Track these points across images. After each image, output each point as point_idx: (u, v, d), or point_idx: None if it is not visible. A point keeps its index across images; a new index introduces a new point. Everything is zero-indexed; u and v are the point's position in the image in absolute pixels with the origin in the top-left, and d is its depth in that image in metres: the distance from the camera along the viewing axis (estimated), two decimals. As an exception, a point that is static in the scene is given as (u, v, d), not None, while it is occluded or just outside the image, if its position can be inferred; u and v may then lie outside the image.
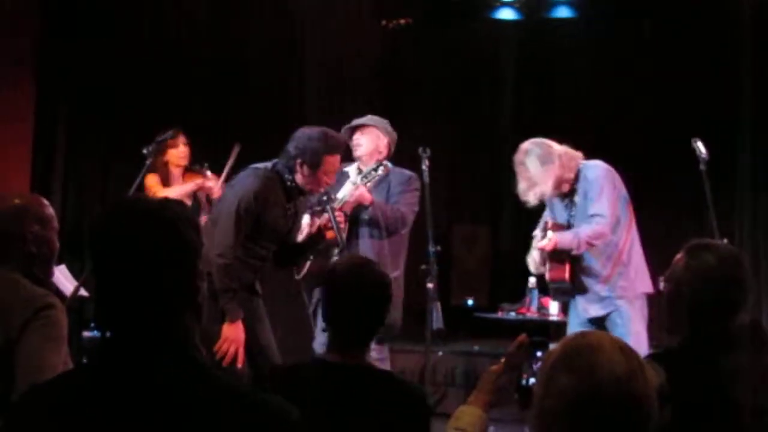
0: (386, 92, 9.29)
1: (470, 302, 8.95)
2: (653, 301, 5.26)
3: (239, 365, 4.69)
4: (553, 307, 7.03)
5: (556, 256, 5.26)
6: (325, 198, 5.01)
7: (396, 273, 5.42)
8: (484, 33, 9.54)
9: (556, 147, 5.29)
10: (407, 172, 5.67)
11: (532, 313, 7.21)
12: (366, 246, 5.44)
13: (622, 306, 5.21)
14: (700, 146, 5.31)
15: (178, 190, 6.28)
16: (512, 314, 7.30)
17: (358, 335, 2.91)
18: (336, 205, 5.13)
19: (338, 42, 8.90)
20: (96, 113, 7.74)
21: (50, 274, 3.31)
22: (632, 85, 8.69)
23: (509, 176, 9.71)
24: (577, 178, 5.27)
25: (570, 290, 5.33)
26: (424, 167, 5.37)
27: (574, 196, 5.29)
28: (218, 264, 4.64)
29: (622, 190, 5.29)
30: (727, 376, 2.68)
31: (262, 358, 4.82)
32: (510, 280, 8.60)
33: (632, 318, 5.18)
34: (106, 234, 1.79)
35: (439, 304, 5.23)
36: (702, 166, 5.27)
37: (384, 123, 5.73)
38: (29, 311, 2.95)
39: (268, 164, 4.88)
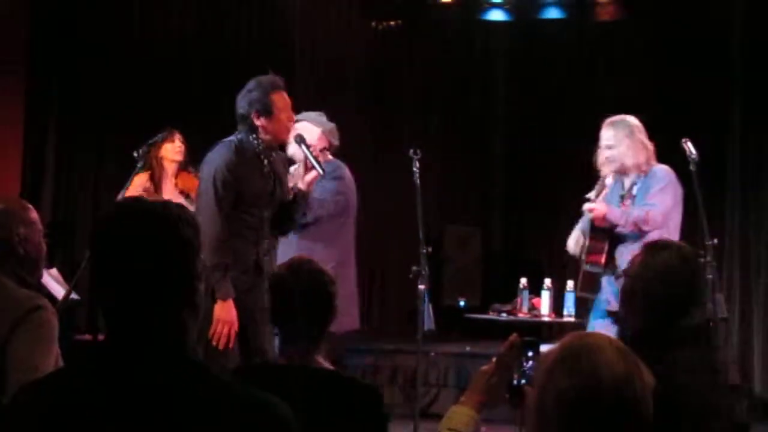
0: (377, 93, 9.31)
1: (462, 303, 8.95)
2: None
3: (231, 347, 4.56)
4: (544, 308, 7.04)
5: (598, 236, 5.21)
6: (297, 137, 4.95)
7: (330, 265, 5.20)
8: (475, 34, 9.57)
9: (645, 137, 5.28)
10: (333, 161, 5.55)
11: (523, 314, 7.22)
12: (291, 238, 5.32)
13: None
14: (690, 147, 5.31)
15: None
16: (503, 315, 7.31)
17: (302, 335, 2.89)
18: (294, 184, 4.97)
19: (329, 43, 8.91)
20: (87, 114, 7.73)
21: (38, 276, 3.30)
22: (623, 85, 8.71)
23: (501, 177, 9.75)
24: (645, 174, 5.23)
25: (599, 277, 5.27)
26: (414, 168, 5.36)
27: (633, 190, 5.26)
28: (207, 241, 4.56)
29: (681, 200, 5.27)
30: (676, 372, 2.71)
31: (255, 348, 4.73)
32: (501, 281, 8.63)
33: None
34: (108, 234, 1.80)
35: (430, 305, 5.22)
36: (692, 167, 5.28)
37: (314, 115, 5.65)
38: (18, 313, 2.94)
39: (230, 138, 4.78)
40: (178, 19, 8.19)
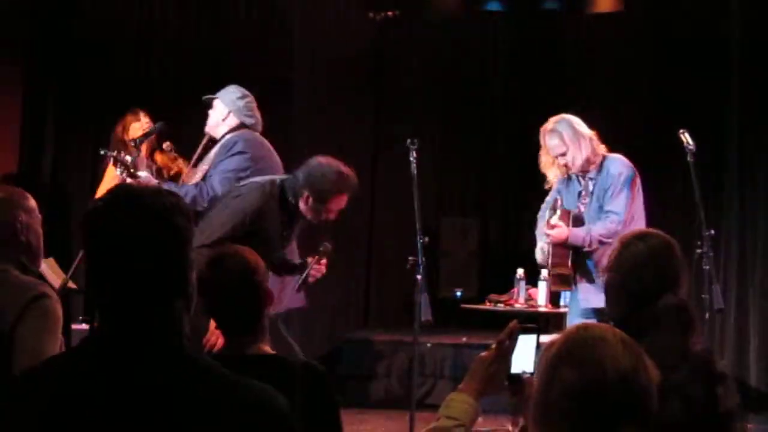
0: (375, 85, 9.30)
1: (459, 294, 8.96)
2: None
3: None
4: (541, 299, 7.05)
5: (558, 254, 5.21)
6: (321, 249, 4.91)
7: None
8: (474, 26, 9.55)
9: (585, 128, 5.27)
10: (234, 135, 5.45)
11: (520, 305, 7.22)
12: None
13: None
14: (688, 137, 5.31)
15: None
16: (500, 306, 7.31)
17: (234, 324, 2.92)
18: None
19: (327, 34, 8.88)
20: (85, 103, 7.72)
21: (38, 264, 3.31)
22: (621, 79, 8.71)
23: (498, 168, 9.75)
24: (599, 168, 5.24)
25: (570, 279, 5.28)
26: (411, 159, 5.35)
27: (589, 185, 5.26)
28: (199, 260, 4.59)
29: (640, 188, 5.25)
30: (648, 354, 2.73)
31: None
32: (498, 271, 8.63)
33: None
34: (99, 222, 1.78)
35: (427, 296, 5.22)
36: (689, 158, 5.28)
37: (231, 94, 5.57)
38: (24, 300, 2.95)
39: (276, 179, 4.84)
40: (178, 10, 8.18)
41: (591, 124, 5.34)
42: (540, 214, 5.49)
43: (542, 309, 6.99)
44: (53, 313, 2.98)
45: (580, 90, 8.76)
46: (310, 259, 4.91)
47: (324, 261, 4.91)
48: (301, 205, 4.74)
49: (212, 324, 4.58)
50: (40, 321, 2.94)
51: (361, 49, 9.18)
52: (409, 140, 5.38)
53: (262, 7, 8.45)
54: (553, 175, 5.32)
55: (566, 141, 5.18)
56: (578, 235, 5.13)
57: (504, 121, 9.48)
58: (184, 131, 6.58)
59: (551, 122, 5.26)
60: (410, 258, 5.22)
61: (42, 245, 3.25)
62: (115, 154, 5.54)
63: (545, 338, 2.23)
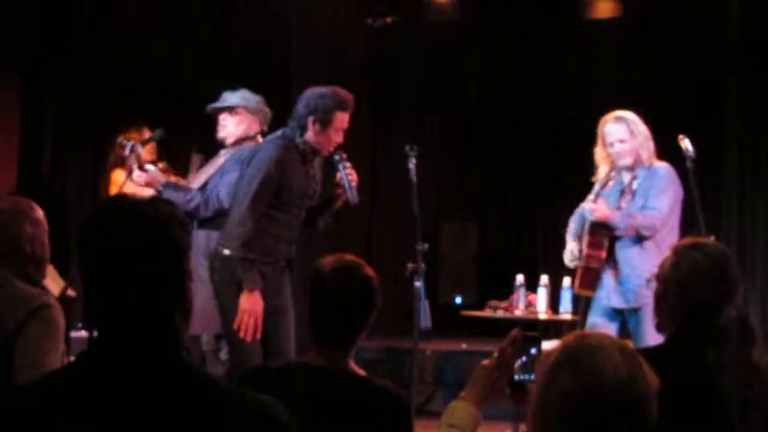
0: (372, 91, 9.30)
1: (458, 300, 8.95)
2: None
3: (258, 337, 4.61)
4: (541, 305, 7.03)
5: (599, 231, 5.15)
6: (337, 157, 4.90)
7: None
8: (471, 31, 9.55)
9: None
10: (243, 148, 5.39)
11: (520, 311, 7.20)
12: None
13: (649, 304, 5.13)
14: (687, 143, 5.31)
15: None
16: (500, 312, 7.29)
17: (338, 339, 2.81)
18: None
19: (324, 41, 8.89)
20: (84, 107, 7.73)
21: (43, 275, 3.30)
22: (619, 82, 8.72)
23: (498, 174, 9.74)
24: (648, 169, 5.19)
25: (598, 278, 5.24)
26: (411, 165, 5.34)
27: (633, 184, 5.22)
28: (238, 233, 4.61)
29: (680, 200, 5.22)
30: (714, 370, 2.71)
31: (273, 345, 4.75)
32: (498, 278, 8.62)
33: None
34: (94, 232, 1.77)
35: (427, 303, 5.21)
36: (689, 164, 5.27)
37: (250, 98, 5.56)
38: (26, 311, 2.94)
39: (278, 132, 4.87)
40: (175, 15, 8.19)
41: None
42: (573, 217, 5.46)
43: (542, 315, 6.97)
44: (54, 323, 2.98)
45: (580, 95, 8.76)
46: (338, 174, 4.89)
47: (347, 165, 4.89)
48: (309, 136, 4.77)
49: (241, 302, 4.57)
50: (43, 331, 2.93)
51: (358, 56, 9.18)
52: (407, 147, 5.37)
53: (260, 15, 8.45)
54: (604, 171, 5.31)
55: (631, 130, 5.17)
56: (617, 216, 5.08)
57: (503, 127, 9.48)
58: (181, 138, 6.57)
59: (618, 112, 5.27)
60: (409, 264, 5.21)
61: (48, 255, 3.25)
62: (133, 143, 5.53)
63: (547, 345, 2.22)
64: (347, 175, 4.87)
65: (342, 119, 4.80)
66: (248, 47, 8.37)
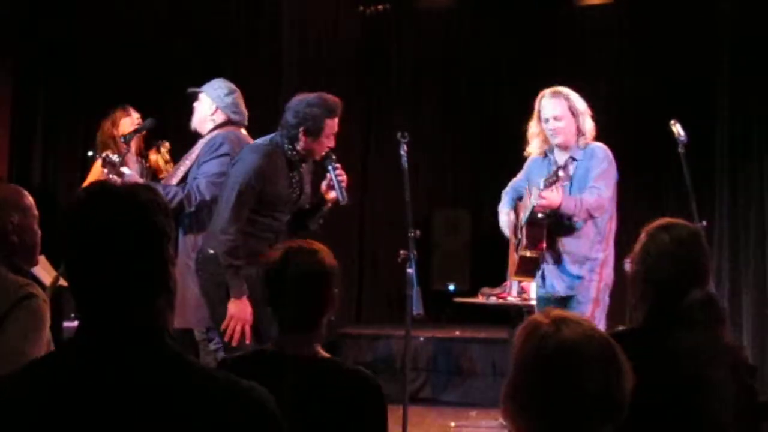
0: (365, 78, 9.29)
1: (451, 287, 8.95)
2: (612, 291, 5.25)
3: (248, 342, 4.65)
4: (533, 291, 7.03)
5: (537, 224, 5.10)
6: (327, 158, 4.95)
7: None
8: (464, 17, 9.54)
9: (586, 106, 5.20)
10: (220, 133, 5.31)
11: (512, 297, 7.21)
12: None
13: (591, 289, 5.12)
14: (679, 128, 5.30)
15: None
16: (492, 299, 7.30)
17: (296, 324, 2.83)
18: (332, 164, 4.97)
19: (317, 28, 8.87)
20: (75, 100, 7.71)
21: (34, 262, 3.29)
22: (611, 67, 8.71)
23: (490, 160, 9.74)
24: (584, 150, 5.12)
25: (537, 265, 5.23)
26: (402, 152, 5.33)
27: (570, 168, 4.98)
28: (221, 241, 4.69)
29: (617, 178, 5.20)
30: (681, 352, 2.73)
31: (266, 331, 4.75)
32: (491, 264, 8.62)
33: (592, 300, 5.10)
34: (77, 219, 1.77)
35: (419, 290, 5.21)
36: (680, 149, 5.26)
37: (217, 87, 5.46)
38: (9, 302, 2.93)
39: (266, 138, 4.90)
40: (166, 1, 8.16)
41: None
42: (506, 189, 5.46)
43: (534, 302, 6.98)
44: (38, 313, 2.97)
45: (572, 81, 8.73)
46: (328, 175, 4.95)
47: (337, 166, 4.94)
48: (300, 145, 4.83)
49: (229, 309, 4.60)
50: (25, 321, 2.92)
51: (351, 43, 9.17)
52: (399, 133, 5.35)
53: (253, 1, 8.43)
54: (536, 146, 5.26)
55: (568, 107, 5.12)
56: (570, 202, 4.97)
57: (496, 113, 9.46)
58: (173, 127, 6.55)
59: (557, 87, 5.22)
60: (402, 251, 5.20)
61: (38, 241, 3.24)
62: (104, 155, 5.52)
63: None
64: (337, 176, 4.93)
65: (332, 125, 4.85)
66: (240, 35, 8.35)
